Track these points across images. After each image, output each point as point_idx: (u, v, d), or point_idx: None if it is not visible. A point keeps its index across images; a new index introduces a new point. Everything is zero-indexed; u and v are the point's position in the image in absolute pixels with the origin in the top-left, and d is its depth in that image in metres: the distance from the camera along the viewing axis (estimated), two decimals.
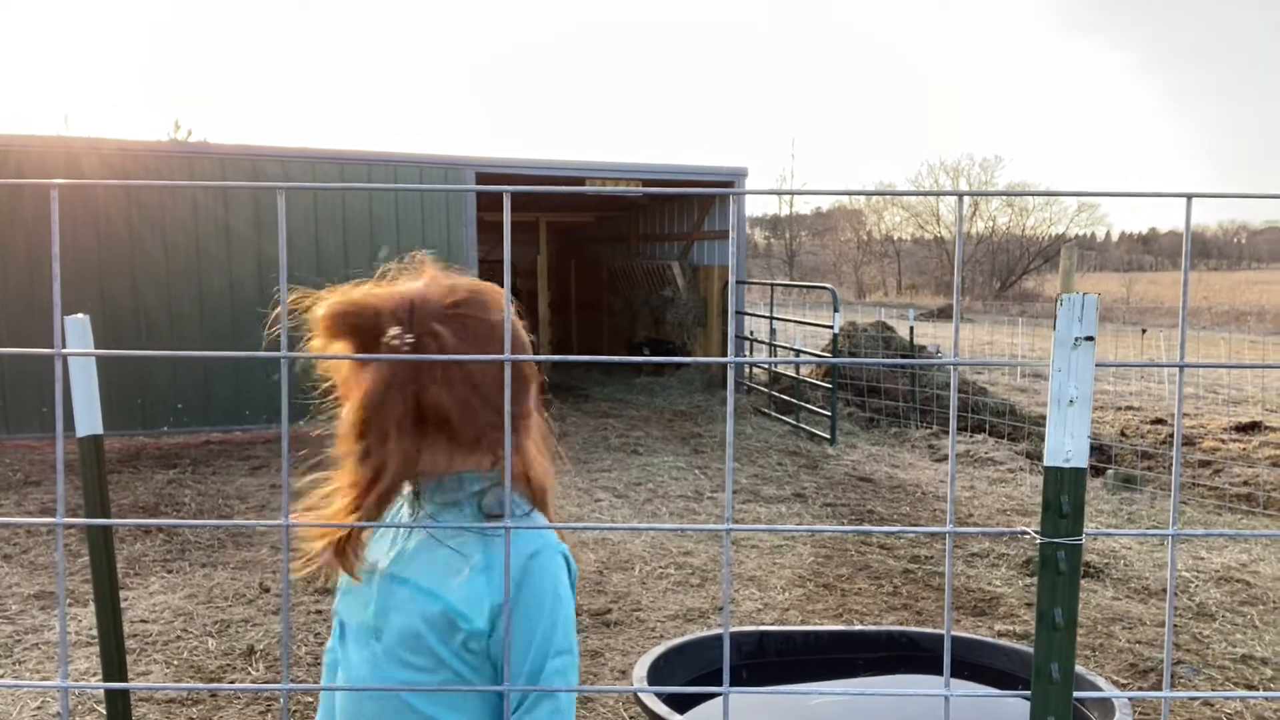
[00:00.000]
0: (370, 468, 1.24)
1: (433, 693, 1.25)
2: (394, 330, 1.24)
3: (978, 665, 2.97)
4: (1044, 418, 0.97)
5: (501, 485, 1.30)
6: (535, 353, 1.42)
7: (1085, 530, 1.03)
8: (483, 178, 10.60)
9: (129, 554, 5.53)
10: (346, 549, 1.26)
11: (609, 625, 4.58)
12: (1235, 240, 75.13)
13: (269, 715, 3.70)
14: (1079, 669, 2.70)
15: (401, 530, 1.33)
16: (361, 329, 1.24)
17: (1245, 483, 7.64)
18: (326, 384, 1.33)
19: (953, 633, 3.51)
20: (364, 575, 1.31)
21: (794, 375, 10.96)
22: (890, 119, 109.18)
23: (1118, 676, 4.07)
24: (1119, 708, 2.39)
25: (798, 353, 11.20)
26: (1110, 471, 7.84)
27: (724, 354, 12.31)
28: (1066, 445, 1.00)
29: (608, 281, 16.10)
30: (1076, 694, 1.03)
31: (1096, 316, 0.98)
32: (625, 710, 3.71)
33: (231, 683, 3.95)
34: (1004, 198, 46.86)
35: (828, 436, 9.22)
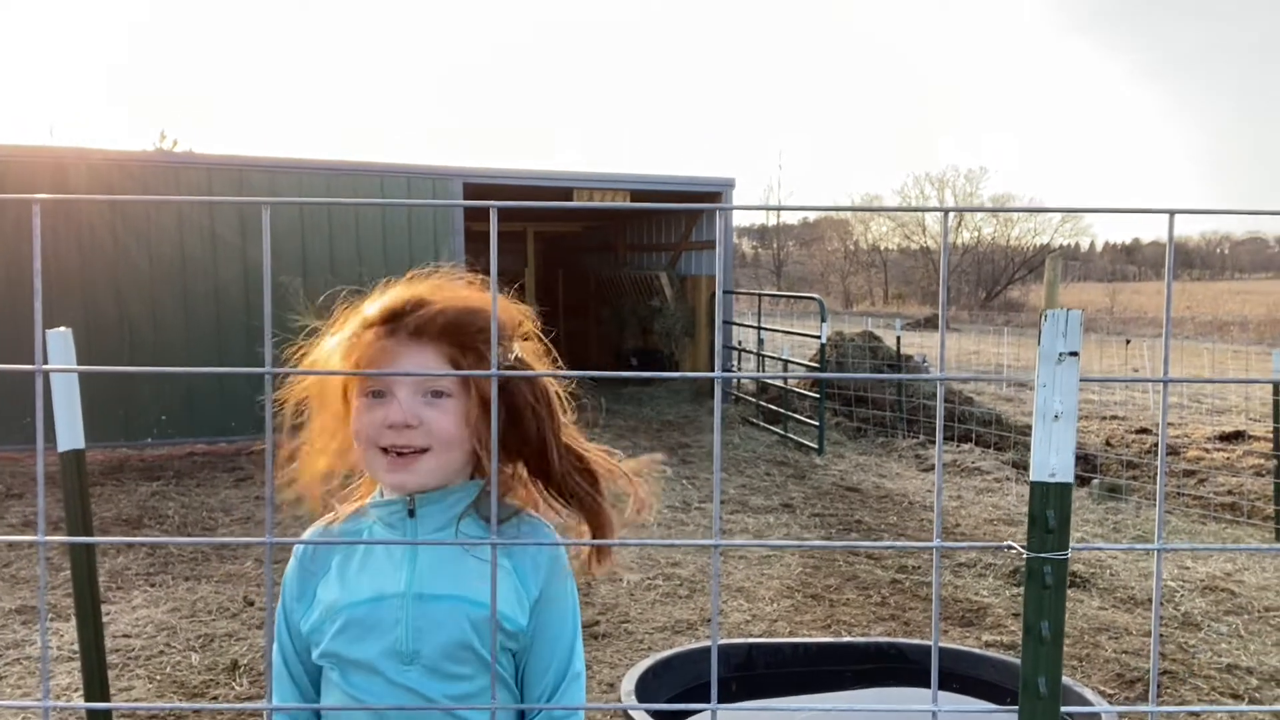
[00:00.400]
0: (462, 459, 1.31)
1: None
2: (516, 349, 1.33)
3: (965, 677, 2.98)
4: (1031, 427, 0.97)
5: (496, 498, 1.33)
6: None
7: (1071, 544, 1.03)
8: (470, 188, 10.60)
9: (111, 567, 5.48)
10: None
11: (597, 638, 4.56)
12: (1218, 251, 75.89)
13: None
14: (1066, 680, 2.71)
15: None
16: (481, 340, 1.27)
17: (1230, 492, 7.69)
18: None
19: (940, 644, 3.51)
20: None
21: (782, 385, 10.99)
22: (877, 130, 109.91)
23: (1104, 687, 4.08)
24: None
25: (785, 363, 11.22)
26: (1096, 481, 7.89)
27: (708, 367, 12.32)
28: (1052, 460, 1.00)
29: (595, 291, 16.10)
30: (1065, 709, 1.03)
31: (1080, 332, 0.99)
32: None
33: (215, 699, 3.91)
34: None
35: (815, 446, 9.24)
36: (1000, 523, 6.87)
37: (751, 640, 3.09)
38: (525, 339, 1.41)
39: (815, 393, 10.10)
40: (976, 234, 47.62)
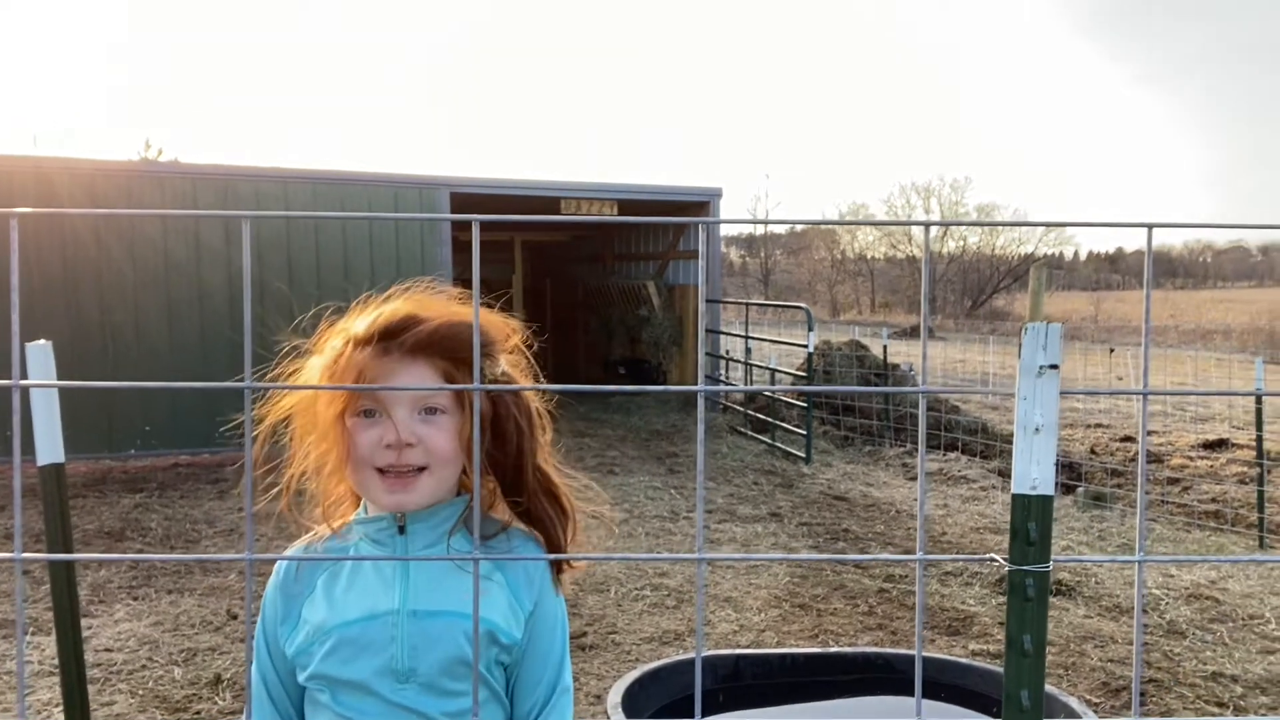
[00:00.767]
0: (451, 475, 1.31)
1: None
2: (503, 363, 1.32)
3: (952, 686, 2.98)
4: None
5: (480, 511, 1.34)
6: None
7: (1053, 556, 1.04)
8: (457, 197, 10.58)
9: (93, 580, 5.42)
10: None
11: (584, 649, 4.54)
12: (1200, 260, 76.64)
13: None
14: (1051, 689, 2.71)
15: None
16: (467, 354, 1.27)
17: (1213, 500, 7.74)
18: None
19: (926, 654, 3.52)
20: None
21: (769, 394, 11.01)
22: (866, 138, 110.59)
23: (1090, 696, 4.09)
24: None
25: (773, 372, 11.25)
26: (1080, 489, 7.92)
27: (695, 376, 12.32)
28: (1033, 473, 1.00)
29: (583, 300, 16.11)
30: None
31: (1060, 345, 0.99)
32: None
33: (197, 714, 3.87)
34: (974, 217, 47.51)
35: (803, 455, 9.25)
36: (986, 531, 6.89)
37: (739, 651, 3.08)
38: (513, 352, 1.40)
39: (803, 402, 10.12)
40: (962, 243, 47.93)
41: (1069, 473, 8.70)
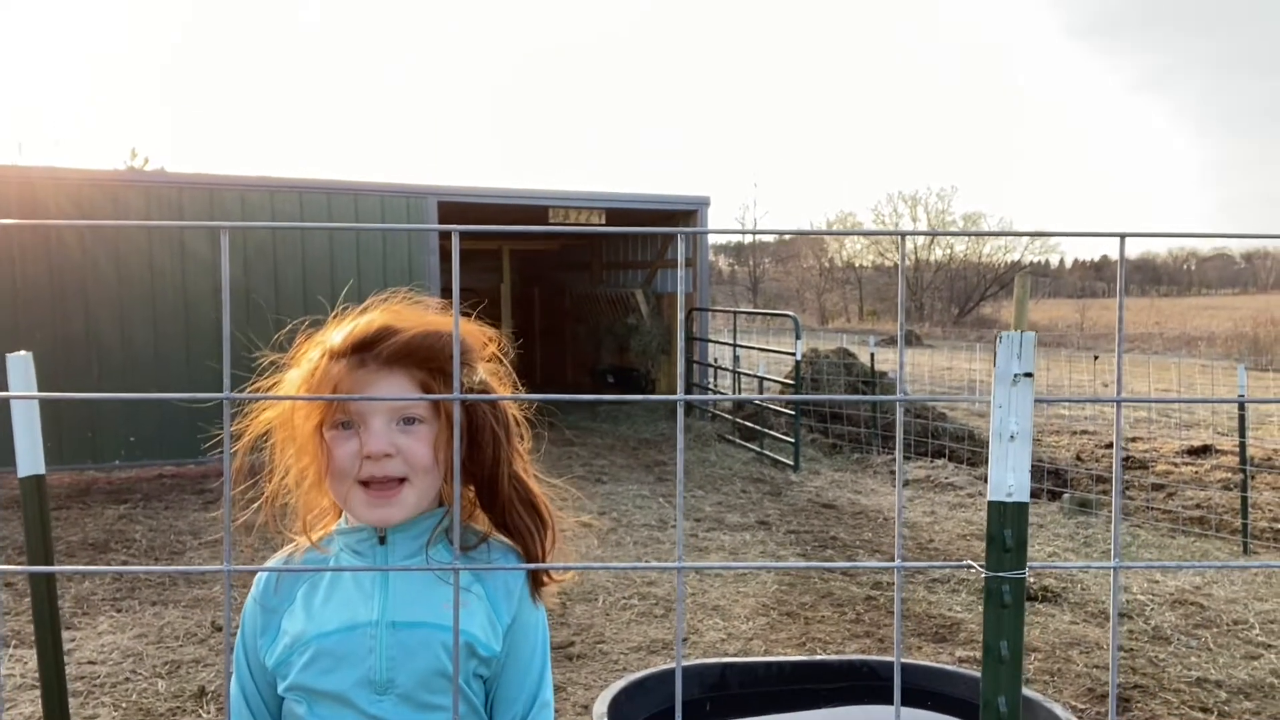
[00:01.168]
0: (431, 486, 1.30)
1: None
2: (481, 372, 1.33)
3: (938, 693, 2.99)
4: None
5: (459, 521, 1.33)
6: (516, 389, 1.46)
7: (1029, 563, 1.04)
8: (445, 206, 10.58)
9: (77, 593, 5.38)
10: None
11: (571, 659, 4.53)
12: (1185, 267, 77.29)
13: None
14: (1036, 696, 2.72)
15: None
16: (443, 363, 1.26)
17: (1198, 505, 7.79)
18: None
19: (913, 661, 3.52)
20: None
21: (760, 402, 11.03)
22: (852, 147, 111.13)
23: (1076, 702, 4.11)
24: None
25: (761, 380, 11.27)
26: (1066, 496, 7.96)
27: (684, 385, 12.33)
28: (1009, 480, 1.01)
29: (572, 309, 16.11)
30: None
31: (1034, 353, 1.00)
32: None
33: None
34: (960, 225, 47.80)
35: (791, 463, 9.27)
36: (973, 538, 6.91)
37: (725, 660, 3.08)
38: (492, 360, 1.40)
39: (790, 410, 10.14)
40: (949, 251, 48.19)
41: (1055, 479, 8.74)
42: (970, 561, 1.05)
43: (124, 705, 4.01)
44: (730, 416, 11.37)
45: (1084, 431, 11.52)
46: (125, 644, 4.66)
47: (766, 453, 9.77)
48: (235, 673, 1.34)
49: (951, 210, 49.30)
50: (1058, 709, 2.65)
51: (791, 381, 10.68)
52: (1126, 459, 9.43)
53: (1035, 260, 50.28)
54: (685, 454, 9.77)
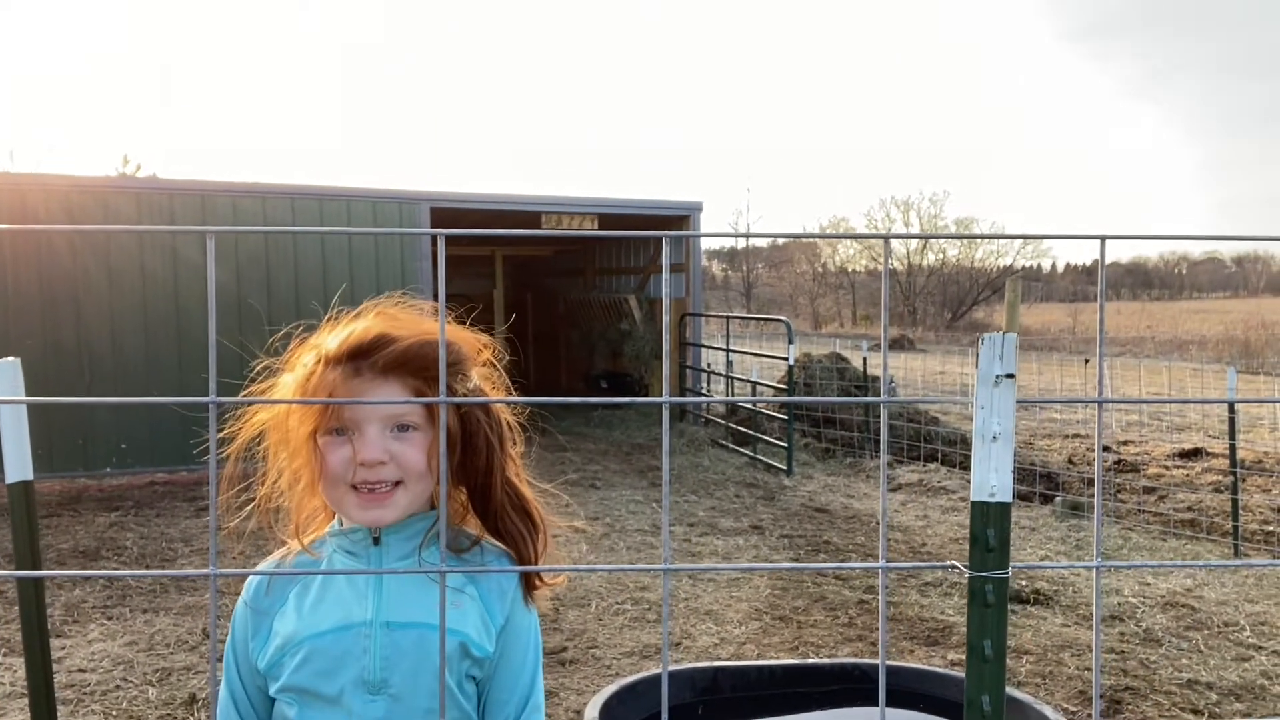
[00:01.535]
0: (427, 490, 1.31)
1: None
2: (474, 377, 1.34)
3: (930, 696, 2.99)
4: None
5: (451, 524, 1.36)
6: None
7: (1013, 564, 1.05)
8: (438, 212, 10.58)
9: (67, 600, 5.36)
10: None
11: (564, 664, 4.53)
12: (1176, 271, 77.65)
13: None
14: (1028, 698, 2.73)
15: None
16: (434, 370, 1.27)
17: (1189, 508, 7.82)
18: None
19: (904, 663, 3.53)
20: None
21: (750, 406, 11.04)
22: (846, 152, 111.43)
23: (1067, 704, 4.12)
24: None
25: (754, 385, 11.29)
26: (1058, 499, 7.99)
27: (675, 389, 12.35)
28: (991, 480, 1.02)
29: (565, 314, 16.11)
30: None
31: (1015, 355, 1.01)
32: None
33: None
34: (952, 229, 47.94)
35: (784, 468, 9.28)
36: (965, 541, 6.92)
37: (717, 664, 3.09)
38: (485, 365, 1.41)
39: (783, 414, 10.16)
40: (941, 256, 48.34)
41: (1047, 482, 8.76)
42: (954, 562, 1.06)
43: (114, 713, 3.99)
44: (723, 421, 11.38)
45: (1076, 435, 11.56)
46: (116, 651, 4.64)
47: (759, 457, 9.78)
48: (225, 677, 1.35)
49: (944, 215, 49.47)
50: (1048, 711, 2.66)
51: (784, 386, 10.70)
52: (1118, 462, 9.46)
53: (1027, 265, 50.48)
54: (678, 459, 9.79)
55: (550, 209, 11.44)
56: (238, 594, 1.39)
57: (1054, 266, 71.24)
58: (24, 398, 0.91)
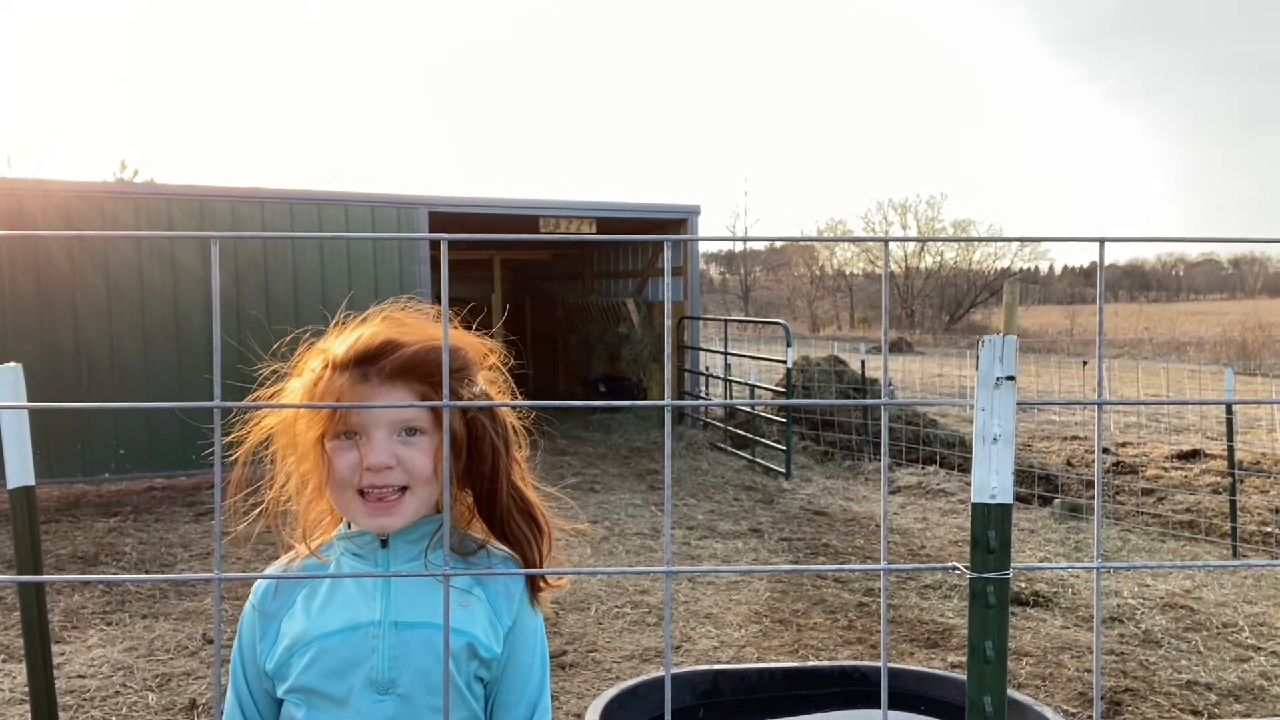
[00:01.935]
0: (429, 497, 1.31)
1: None
2: (480, 382, 1.34)
3: (930, 698, 3.00)
4: None
5: (457, 527, 1.38)
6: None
7: (1014, 565, 1.06)
8: (436, 216, 10.59)
9: (67, 606, 5.35)
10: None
11: (564, 667, 4.53)
12: (1173, 273, 77.77)
13: None
14: (1028, 699, 2.73)
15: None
16: (453, 376, 1.28)
17: (1188, 510, 7.83)
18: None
19: (904, 666, 3.53)
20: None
21: (749, 410, 11.04)
22: (843, 155, 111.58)
23: (1068, 706, 4.12)
24: None
25: (752, 388, 11.30)
26: (1057, 501, 7.99)
27: (674, 392, 12.35)
28: (992, 482, 1.03)
29: (563, 318, 16.12)
30: None
31: (1015, 357, 1.02)
32: None
33: None
34: (950, 232, 48.00)
35: (783, 471, 9.28)
36: (964, 543, 6.93)
37: (717, 667, 3.09)
38: (491, 369, 1.42)
39: (782, 417, 10.16)
40: (939, 258, 48.40)
41: (1046, 485, 8.77)
42: (955, 563, 1.06)
43: (114, 719, 3.99)
44: (722, 424, 11.38)
45: (1074, 437, 11.57)
46: (115, 657, 4.63)
47: (758, 460, 9.78)
48: (231, 682, 1.35)
49: (941, 218, 49.55)
50: (1049, 712, 2.66)
51: (783, 389, 10.70)
52: (1117, 464, 9.47)
53: (1025, 267, 50.57)
54: (677, 462, 9.79)
55: (548, 212, 11.45)
56: (240, 599, 1.39)
57: (1051, 269, 71.41)
58: (27, 403, 0.91)
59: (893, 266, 48.71)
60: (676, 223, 12.32)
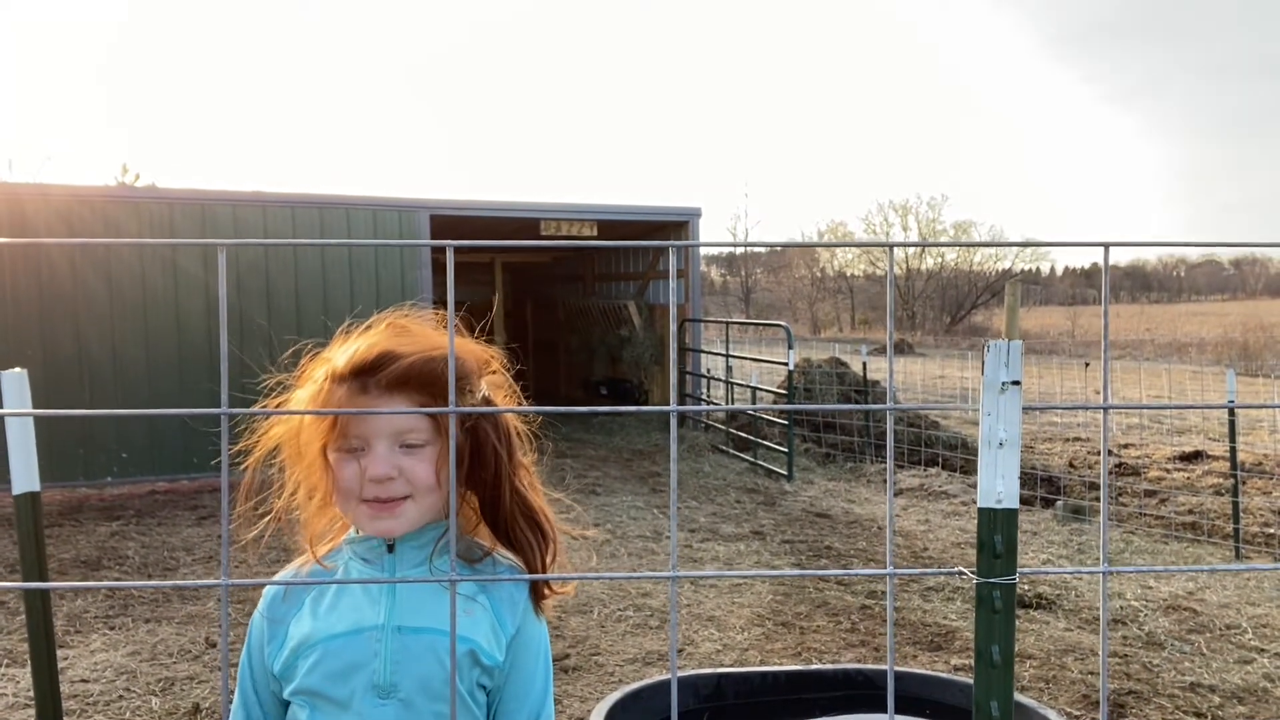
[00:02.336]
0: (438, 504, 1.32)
1: None
2: (483, 389, 1.35)
3: (934, 701, 2.99)
4: None
5: (463, 534, 1.39)
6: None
7: (1020, 569, 1.06)
8: (437, 220, 10.59)
9: (69, 610, 5.35)
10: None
11: (567, 671, 4.52)
12: (1175, 274, 77.74)
13: None
14: (1032, 702, 2.73)
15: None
16: (443, 387, 1.28)
17: (1190, 511, 7.82)
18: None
19: (909, 669, 3.53)
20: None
21: (751, 412, 11.04)
22: (843, 157, 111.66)
23: (1071, 709, 4.12)
24: None
25: (754, 390, 11.30)
26: (1060, 503, 7.99)
27: (680, 395, 12.35)
28: (998, 487, 1.03)
29: (565, 321, 16.12)
30: None
31: (1021, 362, 1.02)
32: None
33: None
34: (951, 234, 48.01)
35: (785, 473, 9.27)
36: (967, 546, 6.93)
37: (721, 670, 3.09)
38: (495, 374, 1.43)
39: (784, 420, 10.16)
40: (940, 260, 48.40)
41: (1049, 486, 8.76)
42: (961, 568, 1.06)
43: None
44: (724, 427, 11.38)
45: (1077, 439, 11.56)
46: (118, 662, 4.63)
47: (760, 463, 9.77)
48: (238, 685, 1.36)
49: (942, 219, 49.58)
50: (1052, 715, 2.66)
51: (785, 391, 10.70)
52: (1119, 465, 9.46)
53: (1026, 268, 50.56)
54: (679, 465, 9.78)
55: (549, 215, 11.45)
56: (244, 603, 1.40)
57: (1053, 270, 71.36)
58: (32, 410, 0.91)
59: (895, 268, 48.66)
60: (677, 225, 12.32)
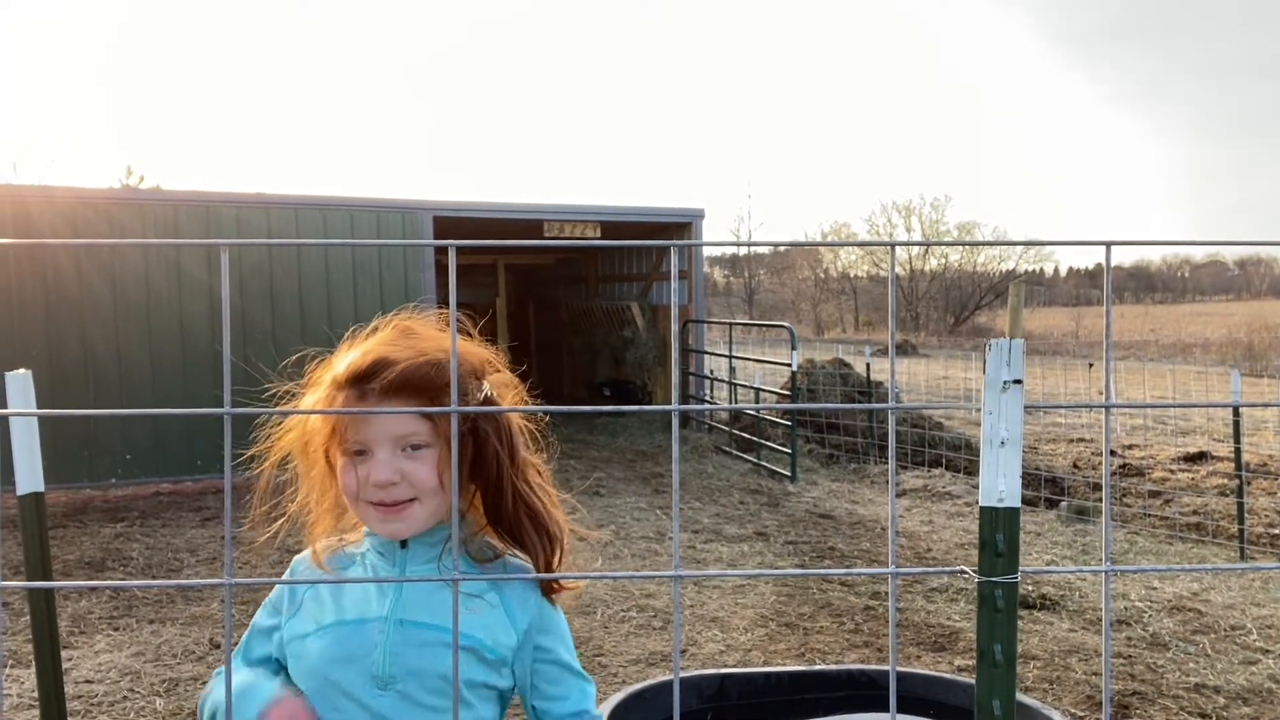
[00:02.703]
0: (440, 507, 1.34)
1: None
2: (484, 389, 1.36)
3: (938, 702, 2.99)
4: None
5: (475, 534, 1.40)
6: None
7: (1022, 569, 1.06)
8: (440, 221, 10.60)
9: (74, 611, 5.36)
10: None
11: None
12: (1179, 274, 77.58)
13: None
14: (1036, 703, 2.73)
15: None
16: (439, 390, 1.30)
17: (1195, 512, 7.81)
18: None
19: (911, 669, 3.52)
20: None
21: (754, 413, 11.04)
22: (846, 158, 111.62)
23: (1075, 709, 4.11)
24: None
25: (757, 391, 11.29)
26: (1064, 504, 7.97)
27: (684, 396, 12.35)
28: (1000, 486, 1.03)
29: (567, 323, 16.12)
30: None
31: (1023, 360, 1.02)
32: None
33: None
34: (954, 235, 47.97)
35: (788, 474, 9.27)
36: (970, 546, 6.92)
37: (724, 670, 3.09)
38: (498, 372, 1.45)
39: (787, 420, 10.16)
40: (944, 260, 48.37)
41: (1052, 487, 8.75)
42: (964, 567, 1.06)
43: None
44: (727, 428, 11.38)
45: (1080, 439, 11.54)
46: (123, 662, 4.64)
47: (763, 464, 9.77)
48: (242, 642, 1.41)
49: (945, 220, 49.52)
50: (1056, 716, 2.66)
51: (788, 392, 10.70)
52: (1123, 466, 9.45)
53: (1030, 269, 50.49)
54: (682, 466, 9.78)
55: (553, 217, 11.46)
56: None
57: (1056, 270, 71.23)
58: (36, 410, 0.92)
59: (897, 269, 48.65)
60: (681, 226, 12.32)
